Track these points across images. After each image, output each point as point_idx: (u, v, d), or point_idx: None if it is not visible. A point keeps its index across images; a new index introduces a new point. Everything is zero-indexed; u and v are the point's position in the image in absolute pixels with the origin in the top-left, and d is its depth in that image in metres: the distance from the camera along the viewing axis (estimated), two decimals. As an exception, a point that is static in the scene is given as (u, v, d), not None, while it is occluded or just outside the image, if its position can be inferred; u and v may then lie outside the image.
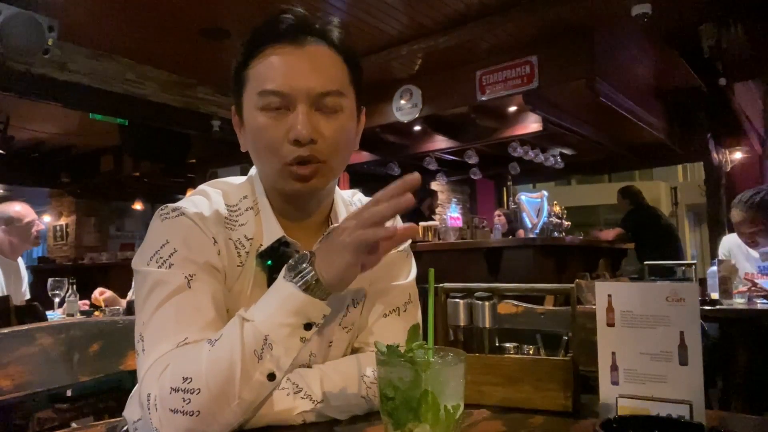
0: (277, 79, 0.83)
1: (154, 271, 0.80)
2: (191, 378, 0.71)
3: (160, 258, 0.80)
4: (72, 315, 2.90)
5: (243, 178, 0.96)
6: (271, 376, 0.73)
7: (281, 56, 0.84)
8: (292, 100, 0.83)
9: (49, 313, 2.89)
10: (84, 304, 3.09)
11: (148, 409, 0.72)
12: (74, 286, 3.04)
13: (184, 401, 0.70)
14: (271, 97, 0.83)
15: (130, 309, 2.77)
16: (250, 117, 0.86)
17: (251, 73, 0.86)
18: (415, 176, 0.73)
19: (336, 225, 0.82)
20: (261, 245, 0.88)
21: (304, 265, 0.75)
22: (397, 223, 0.99)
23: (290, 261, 0.77)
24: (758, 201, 2.85)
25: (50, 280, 3.10)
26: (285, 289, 0.75)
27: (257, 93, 0.84)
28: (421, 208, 6.77)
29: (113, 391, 2.45)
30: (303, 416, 0.77)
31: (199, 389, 0.70)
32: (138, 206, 9.94)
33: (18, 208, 3.25)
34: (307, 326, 0.75)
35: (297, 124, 0.82)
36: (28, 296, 3.38)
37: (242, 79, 0.88)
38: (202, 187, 0.92)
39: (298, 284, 0.74)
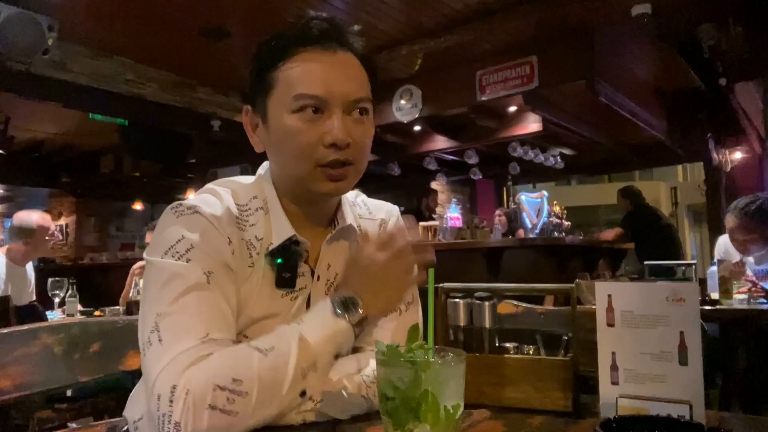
0: (315, 84, 0.85)
1: (172, 263, 0.80)
2: (242, 381, 0.72)
3: (176, 252, 0.80)
4: (72, 315, 2.90)
5: (251, 178, 0.96)
6: (303, 394, 0.77)
7: (317, 62, 0.86)
8: (328, 104, 0.85)
9: (49, 313, 2.89)
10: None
11: (170, 401, 0.71)
12: (74, 286, 3.04)
13: (227, 400, 0.71)
14: (309, 101, 0.84)
15: (130, 309, 2.77)
16: (279, 119, 0.86)
17: (282, 75, 0.86)
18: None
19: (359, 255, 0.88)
20: (271, 244, 0.88)
21: (359, 308, 0.82)
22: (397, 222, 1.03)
23: (340, 300, 0.82)
24: (754, 209, 2.84)
25: (50, 280, 3.10)
26: (338, 323, 0.80)
27: (292, 96, 0.85)
28: (421, 208, 6.77)
29: (113, 391, 2.45)
30: (303, 416, 0.77)
31: (247, 392, 0.72)
32: (138, 206, 9.93)
33: (40, 221, 3.21)
34: (337, 356, 0.81)
35: (334, 129, 0.84)
36: (33, 298, 3.38)
37: (268, 80, 0.88)
38: (210, 185, 0.92)
39: (352, 322, 0.81)
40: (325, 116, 0.85)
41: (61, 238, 3.20)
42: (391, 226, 1.03)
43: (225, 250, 0.83)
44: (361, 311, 0.81)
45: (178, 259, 0.80)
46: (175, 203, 0.86)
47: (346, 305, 0.81)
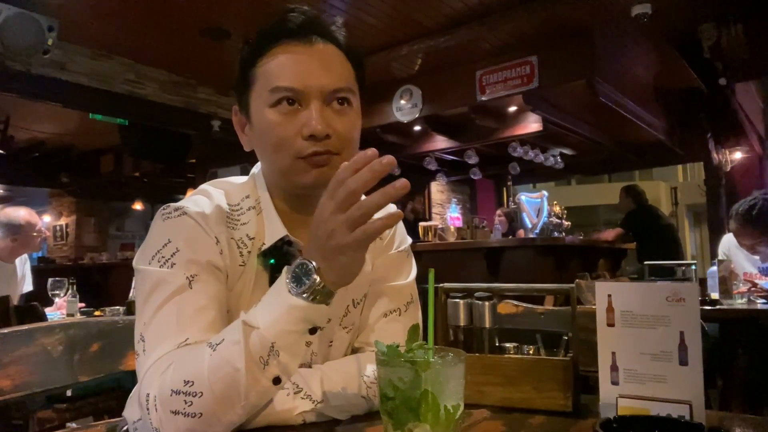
0: (290, 76, 0.84)
1: (156, 270, 0.80)
2: (193, 381, 0.70)
3: (162, 257, 0.80)
4: (72, 315, 2.90)
5: (245, 178, 0.95)
6: (277, 380, 0.73)
7: (293, 54, 0.85)
8: (305, 96, 0.84)
9: (49, 313, 2.89)
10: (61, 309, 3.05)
11: (147, 409, 0.72)
12: (74, 286, 3.04)
13: (185, 403, 0.70)
14: (284, 94, 0.83)
15: (130, 309, 2.77)
16: (260, 114, 0.86)
17: (260, 71, 0.86)
18: (388, 158, 0.69)
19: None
20: (263, 244, 0.87)
21: (312, 278, 0.71)
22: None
23: (292, 270, 0.73)
24: (756, 214, 2.84)
25: (50, 280, 3.10)
26: (291, 299, 0.72)
27: (269, 90, 0.84)
28: (405, 213, 6.70)
29: (113, 391, 2.46)
30: (303, 416, 0.77)
31: (201, 392, 0.70)
32: (138, 206, 9.95)
33: (27, 216, 3.21)
34: (312, 330, 0.74)
35: (312, 120, 0.82)
36: (29, 288, 3.38)
37: (249, 77, 0.87)
38: (203, 186, 0.92)
39: (306, 297, 0.71)
40: (303, 108, 0.84)
41: (46, 234, 3.20)
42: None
43: (212, 250, 0.82)
44: (315, 279, 0.71)
45: (163, 265, 0.80)
46: (164, 206, 0.86)
47: (298, 277, 0.72)
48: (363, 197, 0.70)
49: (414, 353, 0.64)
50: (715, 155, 6.72)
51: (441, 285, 0.92)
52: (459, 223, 6.30)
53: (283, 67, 0.84)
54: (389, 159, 0.69)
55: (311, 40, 0.86)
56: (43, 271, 7.37)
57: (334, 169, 0.81)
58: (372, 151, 0.70)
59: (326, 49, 0.87)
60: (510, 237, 5.84)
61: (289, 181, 0.87)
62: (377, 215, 0.70)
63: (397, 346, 0.64)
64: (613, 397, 0.74)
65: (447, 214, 7.05)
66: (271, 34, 0.87)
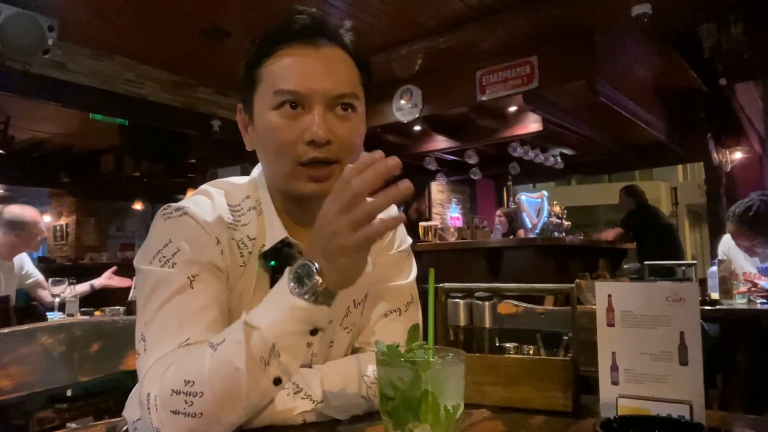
0: (294, 79, 0.83)
1: (157, 270, 0.80)
2: (193, 381, 0.70)
3: (163, 257, 0.80)
4: (72, 315, 2.90)
5: (245, 178, 0.95)
6: (277, 381, 0.73)
7: (297, 57, 0.84)
8: (308, 100, 0.83)
9: (49, 313, 2.90)
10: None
11: (148, 409, 0.72)
12: (74, 287, 3.04)
13: (186, 403, 0.70)
14: (287, 97, 0.83)
15: (130, 309, 2.77)
16: (262, 116, 0.85)
17: (265, 72, 0.86)
18: (394, 160, 0.70)
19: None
20: (264, 245, 0.87)
21: (314, 279, 0.71)
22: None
23: (294, 271, 0.73)
24: (752, 216, 2.85)
25: (50, 280, 3.10)
26: (292, 300, 0.72)
27: (272, 92, 0.84)
28: (408, 213, 6.73)
29: (113, 391, 2.44)
30: (303, 416, 0.77)
31: (202, 392, 0.70)
32: (138, 206, 9.94)
33: (33, 215, 3.25)
34: (313, 332, 0.74)
35: (313, 125, 0.81)
36: (37, 277, 3.38)
37: (254, 77, 0.87)
38: (204, 186, 0.92)
39: (307, 297, 0.72)
40: (305, 112, 0.83)
41: (46, 235, 3.23)
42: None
43: (213, 251, 0.82)
44: (317, 280, 0.71)
45: (164, 264, 0.80)
46: (165, 206, 0.86)
47: (300, 278, 0.72)
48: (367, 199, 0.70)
49: (414, 353, 0.64)
50: (715, 155, 6.72)
51: (441, 285, 0.93)
52: (459, 223, 6.31)
53: (287, 69, 0.84)
54: (394, 161, 0.70)
55: (317, 43, 0.85)
56: (43, 271, 7.35)
57: (334, 183, 0.80)
58: (378, 153, 0.71)
59: (332, 53, 0.86)
60: (510, 237, 5.84)
61: (288, 186, 0.87)
62: (379, 217, 0.70)
63: (398, 346, 0.64)
64: (613, 397, 0.74)
65: (447, 214, 7.06)
66: (277, 35, 0.86)
